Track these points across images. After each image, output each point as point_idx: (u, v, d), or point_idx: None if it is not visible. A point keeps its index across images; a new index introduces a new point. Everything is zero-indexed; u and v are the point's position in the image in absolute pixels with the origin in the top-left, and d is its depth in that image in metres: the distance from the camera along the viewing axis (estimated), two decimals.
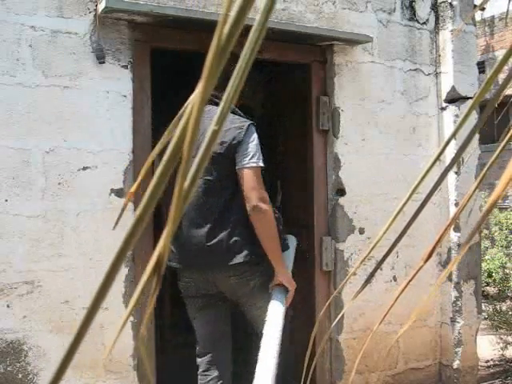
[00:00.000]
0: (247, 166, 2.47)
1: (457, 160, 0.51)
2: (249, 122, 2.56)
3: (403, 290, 0.48)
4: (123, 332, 2.76)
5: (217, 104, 2.61)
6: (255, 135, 2.54)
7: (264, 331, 2.42)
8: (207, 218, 2.53)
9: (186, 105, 0.38)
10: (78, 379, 2.70)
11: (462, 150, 0.48)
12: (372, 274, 0.56)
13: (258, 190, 2.45)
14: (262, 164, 2.50)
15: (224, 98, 0.39)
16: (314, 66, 3.46)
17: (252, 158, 2.49)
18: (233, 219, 2.52)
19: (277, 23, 3.13)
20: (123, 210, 0.40)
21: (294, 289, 2.59)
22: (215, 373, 2.70)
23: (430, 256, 0.51)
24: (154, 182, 0.37)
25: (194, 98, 0.37)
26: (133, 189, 0.40)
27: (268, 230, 2.50)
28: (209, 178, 2.53)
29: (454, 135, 0.47)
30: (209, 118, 2.40)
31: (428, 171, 0.46)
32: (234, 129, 2.52)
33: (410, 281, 0.48)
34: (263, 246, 2.51)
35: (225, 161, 2.50)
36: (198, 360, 2.76)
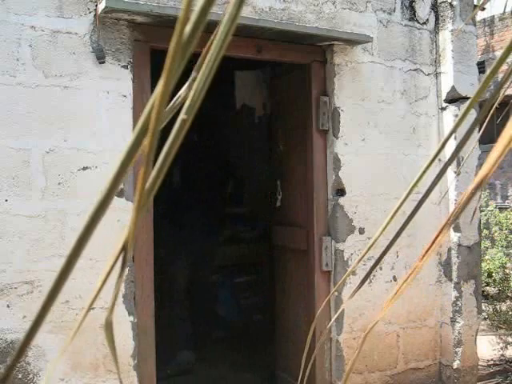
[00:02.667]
0: None
1: (455, 157, 0.51)
2: None
3: (399, 289, 0.48)
4: (123, 332, 2.76)
5: None
6: None
7: None
8: None
9: (151, 99, 0.39)
10: (79, 379, 2.70)
11: (460, 147, 0.48)
12: (369, 273, 0.56)
13: None
14: None
15: (193, 89, 0.40)
16: (313, 66, 3.46)
17: None
18: None
19: (277, 23, 3.13)
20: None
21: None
22: None
23: (424, 256, 0.51)
24: (116, 170, 0.38)
25: (156, 92, 0.38)
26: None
27: None
28: None
29: (452, 133, 0.47)
30: None
31: (426, 170, 0.46)
32: None
33: (406, 280, 0.48)
34: None
35: None
36: None
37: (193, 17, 0.38)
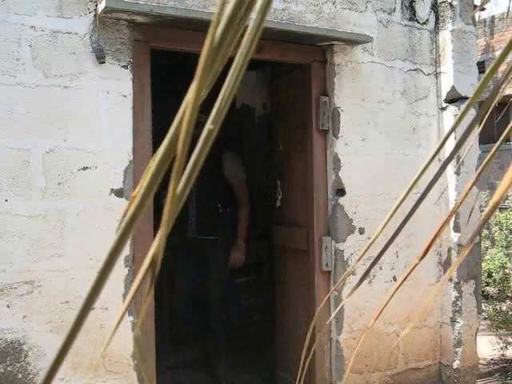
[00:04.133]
0: None
1: (454, 155, 0.51)
2: None
3: (398, 287, 0.48)
4: (123, 332, 2.76)
5: None
6: None
7: None
8: None
9: (182, 105, 0.38)
10: (79, 379, 2.70)
11: (459, 145, 0.49)
12: (368, 270, 0.56)
13: None
14: None
15: (220, 97, 0.39)
16: (313, 66, 3.46)
17: None
18: None
19: (277, 23, 3.13)
20: (125, 214, 0.40)
21: None
22: None
23: (425, 254, 0.51)
24: (146, 181, 0.37)
25: (188, 98, 0.37)
26: (135, 192, 0.40)
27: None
28: None
29: (451, 132, 0.47)
30: None
31: (425, 169, 0.46)
32: None
33: (405, 278, 0.49)
34: None
35: None
36: None
37: (223, 20, 0.38)
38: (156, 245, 0.40)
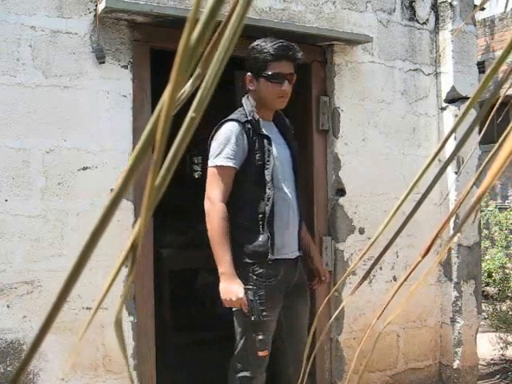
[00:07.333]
0: (208, 166, 2.51)
1: (454, 156, 0.51)
2: (221, 122, 2.56)
3: (400, 286, 0.48)
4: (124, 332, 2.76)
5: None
6: (221, 134, 2.50)
7: None
8: None
9: (159, 104, 0.39)
10: (79, 379, 2.70)
11: (459, 146, 0.49)
12: (370, 270, 0.56)
13: (207, 190, 2.46)
14: (220, 163, 2.46)
15: (202, 85, 0.40)
16: (314, 66, 3.46)
17: (210, 158, 2.51)
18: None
19: (277, 23, 3.13)
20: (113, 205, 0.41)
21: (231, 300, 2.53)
22: None
23: (427, 252, 0.51)
24: (124, 174, 0.38)
25: (164, 96, 0.38)
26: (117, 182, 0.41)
27: (209, 232, 2.42)
28: None
29: (451, 133, 0.47)
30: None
31: (426, 169, 0.46)
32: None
33: (407, 276, 0.49)
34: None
35: None
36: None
37: (201, 19, 0.38)
38: (136, 231, 0.40)
